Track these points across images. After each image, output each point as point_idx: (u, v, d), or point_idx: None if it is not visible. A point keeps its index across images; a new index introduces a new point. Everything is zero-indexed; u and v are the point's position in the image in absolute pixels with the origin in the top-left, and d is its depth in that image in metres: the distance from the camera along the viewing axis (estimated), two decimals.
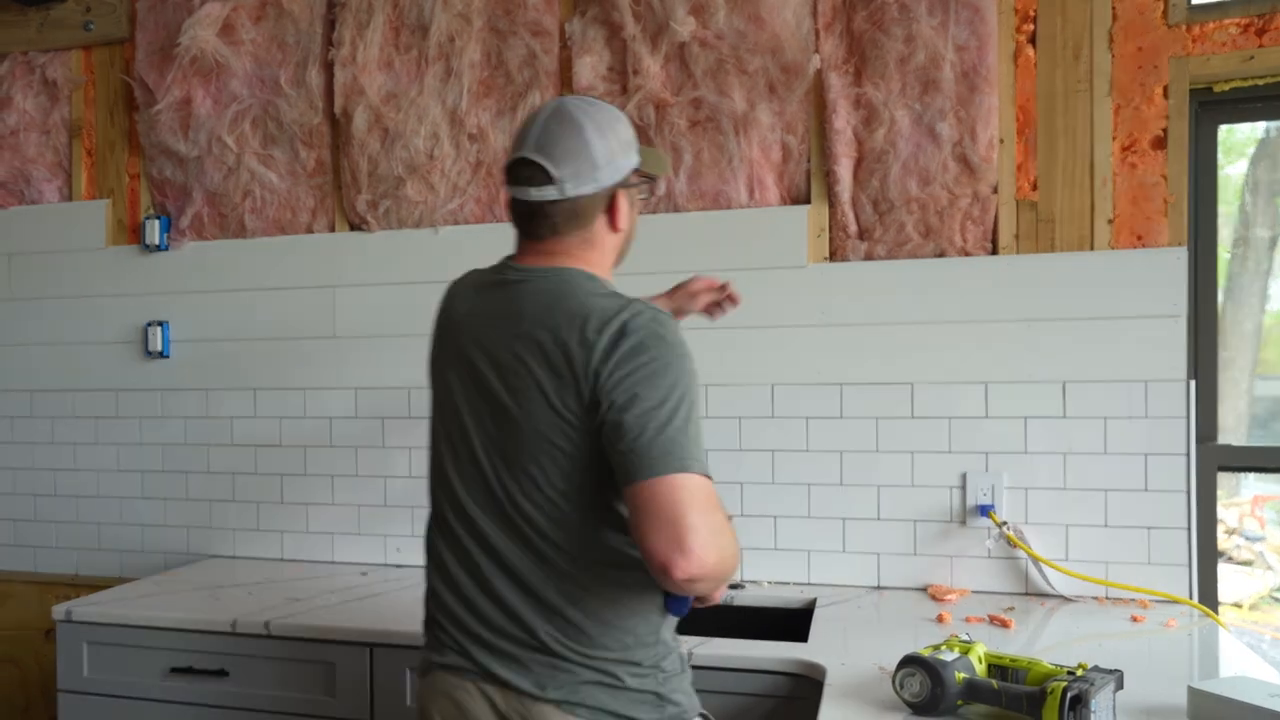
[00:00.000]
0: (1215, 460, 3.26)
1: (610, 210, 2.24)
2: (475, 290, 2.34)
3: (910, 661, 2.22)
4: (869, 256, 3.42)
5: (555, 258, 2.23)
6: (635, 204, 2.34)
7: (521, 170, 2.19)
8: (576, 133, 2.17)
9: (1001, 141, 3.30)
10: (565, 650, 2.09)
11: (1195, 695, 2.14)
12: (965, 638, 2.32)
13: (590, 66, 3.63)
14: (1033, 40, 3.29)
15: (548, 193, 2.16)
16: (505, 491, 2.15)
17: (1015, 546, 3.26)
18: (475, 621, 2.18)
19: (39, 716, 4.42)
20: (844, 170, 3.42)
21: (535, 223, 2.22)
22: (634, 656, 2.11)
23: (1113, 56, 3.22)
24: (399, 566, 3.88)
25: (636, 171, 2.29)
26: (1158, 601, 3.17)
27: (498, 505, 2.16)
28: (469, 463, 2.22)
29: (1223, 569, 3.31)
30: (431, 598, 2.30)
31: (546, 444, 2.09)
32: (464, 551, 2.21)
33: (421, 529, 3.81)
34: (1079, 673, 2.12)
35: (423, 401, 3.82)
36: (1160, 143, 3.19)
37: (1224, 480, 3.35)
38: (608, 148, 2.19)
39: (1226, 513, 3.48)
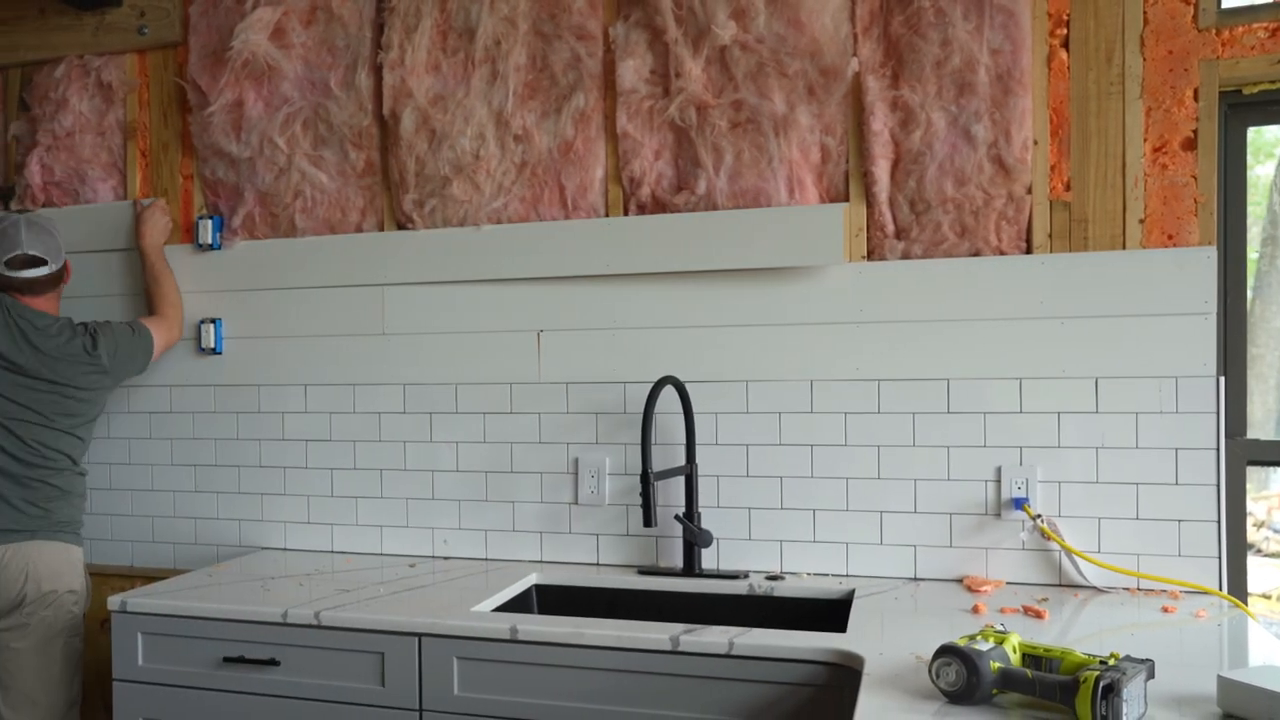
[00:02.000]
0: (1244, 454, 3.30)
1: (65, 274, 4.04)
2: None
3: (946, 651, 2.25)
4: (906, 256, 3.47)
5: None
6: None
7: (20, 259, 3.85)
8: (48, 235, 3.93)
9: (1035, 143, 3.35)
10: None
11: (1225, 684, 2.16)
12: (1000, 628, 2.34)
13: (633, 69, 3.67)
14: (1066, 44, 3.33)
15: (41, 270, 3.89)
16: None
17: (1049, 539, 3.31)
18: None
19: (94, 705, 4.49)
20: (881, 171, 3.47)
21: (34, 289, 3.90)
22: None
23: (1144, 60, 3.26)
24: (446, 558, 3.95)
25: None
26: (1188, 593, 3.20)
27: None
28: None
29: (1252, 561, 3.34)
30: None
31: None
32: None
33: (470, 522, 3.89)
34: (1111, 662, 2.14)
35: (471, 396, 3.92)
36: (1191, 144, 3.23)
37: (1253, 474, 3.37)
38: (61, 240, 3.99)
39: (1255, 506, 3.50)
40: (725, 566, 3.66)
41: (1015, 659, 2.28)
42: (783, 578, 3.52)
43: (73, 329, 3.87)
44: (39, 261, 3.86)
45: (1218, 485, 3.21)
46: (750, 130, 3.58)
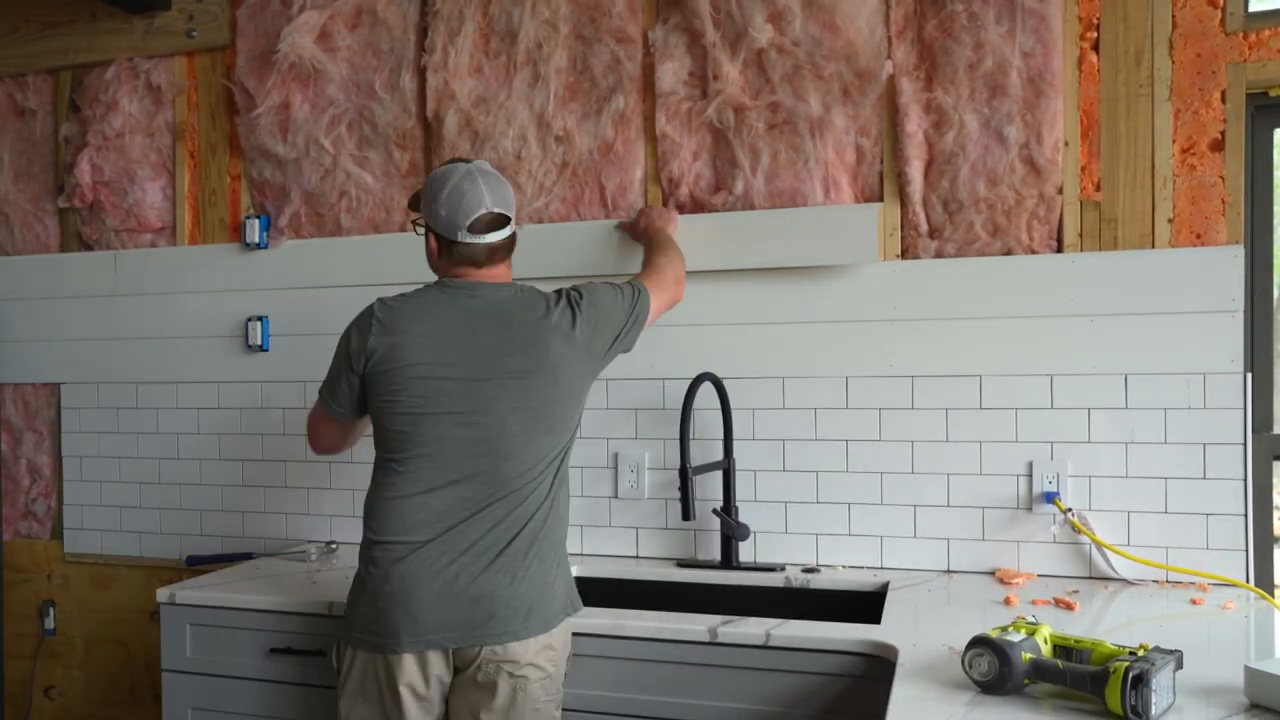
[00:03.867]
0: (1271, 449, 3.33)
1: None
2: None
3: (979, 642, 2.28)
4: (939, 254, 3.52)
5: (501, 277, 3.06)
6: None
7: (485, 220, 2.94)
8: (507, 188, 3.02)
9: (1066, 144, 3.39)
10: None
11: (1252, 674, 2.19)
12: (1031, 619, 2.38)
13: (672, 72, 3.73)
14: (1096, 47, 3.37)
15: (505, 232, 3.00)
16: None
17: (1079, 532, 3.35)
18: None
19: (144, 694, 4.57)
20: (915, 171, 3.52)
21: (494, 257, 3.02)
22: None
23: (1173, 63, 3.30)
24: None
25: None
26: (1216, 585, 3.23)
27: None
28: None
29: (1278, 554, 3.37)
30: None
31: None
32: None
33: None
34: (1140, 653, 2.16)
35: None
36: (1218, 145, 3.27)
37: (1279, 469, 3.43)
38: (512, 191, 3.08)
39: None
40: (762, 559, 3.71)
41: (1046, 650, 2.31)
42: (818, 570, 3.57)
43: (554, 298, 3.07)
44: (503, 221, 2.99)
45: (1244, 479, 3.25)
46: (786, 131, 3.63)
